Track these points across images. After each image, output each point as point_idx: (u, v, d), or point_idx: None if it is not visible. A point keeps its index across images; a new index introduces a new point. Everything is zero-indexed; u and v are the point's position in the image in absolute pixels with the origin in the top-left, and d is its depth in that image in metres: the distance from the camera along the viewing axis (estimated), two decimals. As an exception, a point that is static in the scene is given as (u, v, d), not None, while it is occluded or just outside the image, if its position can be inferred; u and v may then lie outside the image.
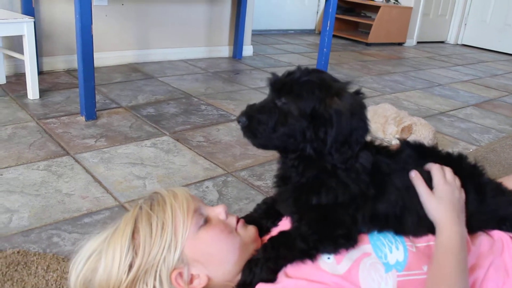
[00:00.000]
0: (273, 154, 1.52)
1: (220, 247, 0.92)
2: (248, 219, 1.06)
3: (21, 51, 2.48)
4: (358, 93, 0.92)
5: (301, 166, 0.92)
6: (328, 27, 3.18)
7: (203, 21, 3.93)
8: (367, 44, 5.80)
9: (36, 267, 1.21)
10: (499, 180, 1.17)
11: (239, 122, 0.92)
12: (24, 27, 2.38)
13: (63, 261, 1.24)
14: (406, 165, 0.98)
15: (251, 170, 1.91)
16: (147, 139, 2.13)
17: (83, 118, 2.28)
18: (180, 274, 0.88)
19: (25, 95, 2.52)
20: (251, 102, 0.95)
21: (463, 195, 1.00)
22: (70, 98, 2.58)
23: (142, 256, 0.85)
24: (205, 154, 2.03)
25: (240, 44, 4.10)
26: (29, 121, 2.20)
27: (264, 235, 1.04)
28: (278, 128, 0.88)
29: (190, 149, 2.07)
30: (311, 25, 6.45)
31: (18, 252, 1.26)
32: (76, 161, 1.85)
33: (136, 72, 3.31)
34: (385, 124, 2.35)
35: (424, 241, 0.98)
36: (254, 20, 4.42)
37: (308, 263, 0.89)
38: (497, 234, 1.08)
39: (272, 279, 0.89)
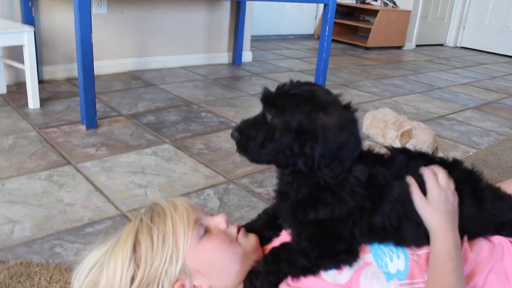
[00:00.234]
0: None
1: (221, 257, 0.92)
2: (249, 228, 1.06)
3: (21, 60, 2.49)
4: (347, 107, 0.90)
5: (295, 183, 0.91)
6: (326, 33, 3.19)
7: (202, 27, 3.95)
8: (366, 48, 5.82)
9: (39, 278, 1.22)
10: (498, 185, 1.17)
11: (232, 137, 0.92)
12: (25, 37, 2.39)
13: (66, 271, 1.25)
14: (401, 172, 0.96)
15: (252, 177, 1.92)
16: (147, 147, 2.13)
17: (83, 127, 2.29)
18: (183, 286, 0.89)
19: (26, 104, 2.53)
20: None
21: (456, 198, 0.99)
22: (70, 107, 2.60)
23: (144, 268, 0.86)
24: (206, 162, 2.03)
25: (239, 50, 4.12)
26: (30, 130, 2.21)
27: (266, 245, 1.04)
28: (267, 144, 0.88)
29: (191, 156, 2.08)
30: (310, 30, 6.47)
31: (21, 263, 1.27)
32: (78, 170, 1.86)
33: (136, 80, 3.33)
34: (385, 129, 2.35)
35: (425, 249, 0.98)
36: (253, 25, 4.43)
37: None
38: (497, 239, 1.08)
39: None
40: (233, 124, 2.53)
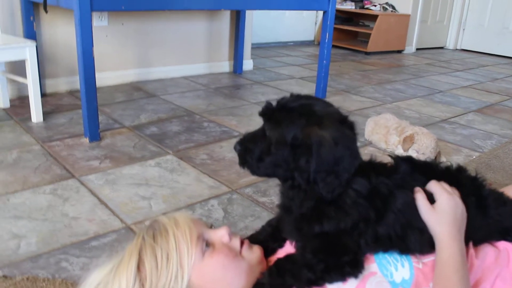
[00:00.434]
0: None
1: (226, 273, 0.92)
2: (253, 240, 1.05)
3: (24, 75, 2.51)
4: (344, 121, 0.90)
5: (297, 198, 0.91)
6: (326, 40, 3.21)
7: (203, 37, 3.97)
8: (367, 53, 5.83)
9: (46, 294, 1.22)
10: (501, 190, 1.17)
11: (235, 149, 0.93)
12: (27, 52, 2.42)
13: (72, 286, 1.25)
14: (404, 183, 0.95)
15: (256, 186, 1.92)
16: (151, 159, 2.14)
17: (87, 140, 2.30)
18: (188, 303, 0.89)
19: (29, 118, 2.55)
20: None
21: (463, 206, 0.98)
22: (73, 120, 2.61)
23: None
24: (209, 172, 2.04)
25: (240, 59, 4.14)
26: (33, 144, 2.23)
27: (270, 256, 1.04)
28: (264, 157, 0.89)
29: (194, 167, 2.08)
30: (310, 36, 6.49)
31: (27, 278, 1.27)
32: (82, 183, 1.87)
33: (138, 91, 3.34)
34: (387, 135, 2.35)
35: (430, 256, 0.98)
36: (253, 33, 4.45)
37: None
38: (502, 244, 1.07)
39: None
40: (236, 134, 2.53)
